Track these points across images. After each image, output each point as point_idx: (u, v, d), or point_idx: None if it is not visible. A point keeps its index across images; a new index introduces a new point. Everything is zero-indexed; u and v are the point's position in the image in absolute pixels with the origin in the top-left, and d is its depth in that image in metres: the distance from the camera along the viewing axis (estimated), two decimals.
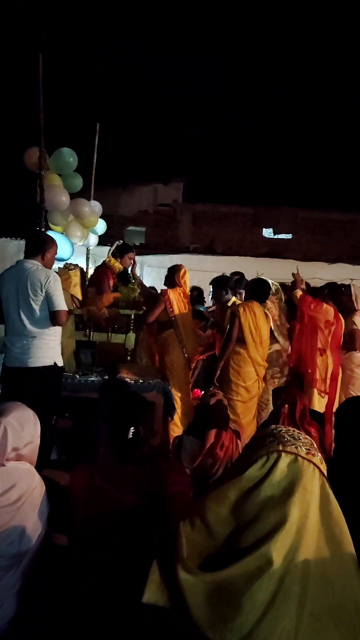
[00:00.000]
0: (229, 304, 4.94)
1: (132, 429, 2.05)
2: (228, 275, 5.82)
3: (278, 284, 5.06)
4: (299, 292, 4.74)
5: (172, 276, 4.95)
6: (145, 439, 2.09)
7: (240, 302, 4.95)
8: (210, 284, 5.15)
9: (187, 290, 5.00)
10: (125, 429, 2.07)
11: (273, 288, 4.91)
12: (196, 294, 6.80)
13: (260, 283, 4.75)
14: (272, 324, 4.73)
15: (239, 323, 4.40)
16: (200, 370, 5.53)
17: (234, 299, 5.01)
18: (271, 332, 4.73)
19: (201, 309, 6.28)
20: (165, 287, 4.95)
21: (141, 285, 5.20)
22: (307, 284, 5.17)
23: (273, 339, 4.76)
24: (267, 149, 20.16)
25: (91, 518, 1.92)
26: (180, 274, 4.93)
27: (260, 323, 4.49)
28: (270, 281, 4.94)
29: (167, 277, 5.03)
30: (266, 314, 4.65)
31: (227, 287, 4.99)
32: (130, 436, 2.06)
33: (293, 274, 4.97)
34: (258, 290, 4.68)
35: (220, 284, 5.04)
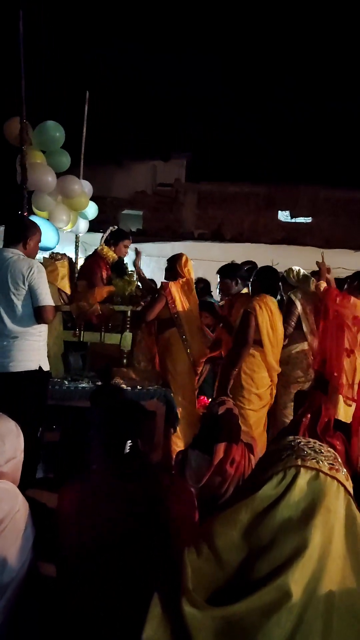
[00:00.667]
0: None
1: (129, 443, 2.06)
2: (238, 263, 5.79)
3: (301, 269, 5.02)
4: (323, 284, 4.72)
5: (173, 266, 4.95)
6: (144, 453, 2.10)
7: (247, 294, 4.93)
8: (217, 273, 5.13)
9: (192, 281, 4.99)
10: (122, 442, 2.07)
11: (299, 274, 4.88)
12: (202, 287, 6.79)
13: (270, 272, 4.71)
14: (301, 319, 4.72)
15: (255, 323, 4.37)
16: (207, 374, 5.52)
17: (245, 290, 5.00)
18: (298, 327, 4.72)
19: (212, 300, 6.22)
20: (165, 280, 4.95)
21: (144, 281, 5.18)
22: None
23: (300, 336, 4.74)
24: (284, 118, 20.07)
25: (83, 544, 1.92)
26: (182, 263, 4.93)
27: (277, 322, 4.48)
28: (297, 268, 4.93)
29: (167, 269, 5.03)
30: (291, 308, 4.63)
31: (237, 277, 4.96)
32: (127, 450, 2.06)
33: (318, 263, 4.96)
34: (269, 280, 4.63)
35: (229, 272, 5.01)
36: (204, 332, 5.20)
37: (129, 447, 2.05)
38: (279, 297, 4.88)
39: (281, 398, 4.64)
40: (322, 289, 4.71)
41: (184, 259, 4.96)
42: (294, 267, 4.97)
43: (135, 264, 5.14)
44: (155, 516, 1.94)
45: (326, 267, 4.89)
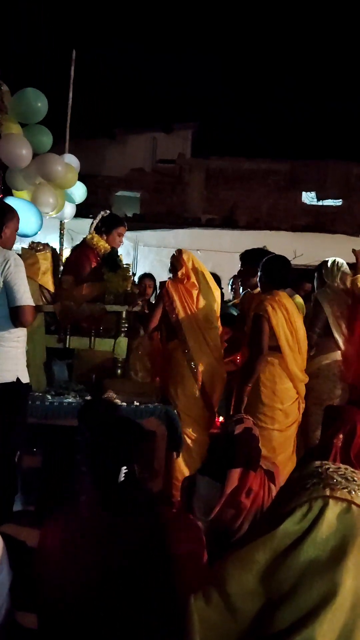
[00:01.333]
0: (256, 291, 4.88)
1: (124, 469, 2.06)
2: (265, 249, 5.63)
3: (343, 261, 4.99)
4: None
5: (173, 264, 4.88)
6: (142, 481, 2.10)
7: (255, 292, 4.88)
8: (240, 257, 5.08)
9: (201, 282, 4.80)
10: (115, 468, 2.07)
11: (338, 268, 4.87)
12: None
13: (279, 262, 4.67)
14: (331, 324, 4.71)
15: (268, 328, 4.34)
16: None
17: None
18: (328, 334, 4.71)
19: (232, 311, 6.19)
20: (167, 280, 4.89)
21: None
22: None
23: (330, 345, 4.72)
24: (310, 79, 20.08)
25: (68, 591, 1.92)
26: (183, 260, 4.78)
27: (296, 322, 4.45)
28: (337, 260, 4.91)
29: (170, 267, 4.99)
30: (317, 311, 4.62)
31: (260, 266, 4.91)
32: (122, 478, 2.06)
33: (355, 251, 4.94)
34: (277, 272, 4.57)
35: (254, 258, 4.90)
36: (221, 355, 4.90)
37: (123, 475, 2.05)
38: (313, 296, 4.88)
39: (312, 417, 4.62)
40: (359, 285, 4.70)
41: (184, 256, 4.80)
42: (335, 260, 4.94)
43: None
44: (155, 557, 1.93)
45: None
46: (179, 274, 4.77)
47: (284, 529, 1.51)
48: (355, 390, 4.66)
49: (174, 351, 4.70)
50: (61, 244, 6.66)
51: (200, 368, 4.64)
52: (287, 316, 4.39)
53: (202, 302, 4.78)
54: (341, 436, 3.16)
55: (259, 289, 4.84)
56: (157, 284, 6.58)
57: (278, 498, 1.70)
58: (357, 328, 4.68)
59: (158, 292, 4.88)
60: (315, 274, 5.01)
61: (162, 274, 5.19)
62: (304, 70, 20.30)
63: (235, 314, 5.93)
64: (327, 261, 4.93)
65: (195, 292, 4.77)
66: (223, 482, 3.11)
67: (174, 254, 4.93)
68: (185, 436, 4.51)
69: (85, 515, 2.08)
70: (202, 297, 4.79)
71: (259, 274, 4.64)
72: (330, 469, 1.59)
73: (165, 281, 4.85)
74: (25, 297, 3.51)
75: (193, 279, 4.77)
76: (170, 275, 4.92)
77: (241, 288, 6.68)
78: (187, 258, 4.81)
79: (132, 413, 4.09)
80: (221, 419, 5.09)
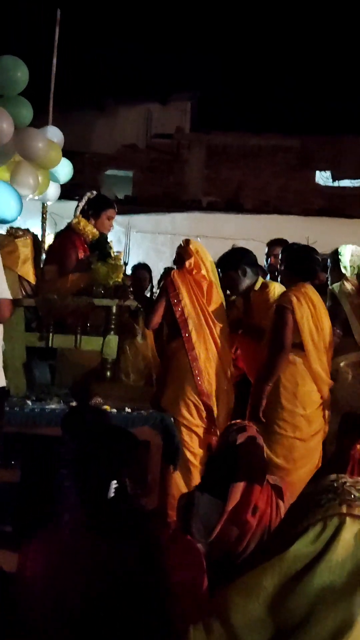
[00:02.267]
0: (257, 287, 4.91)
1: (114, 484, 2.06)
2: (238, 247, 5.68)
3: None
4: None
5: (179, 254, 4.87)
6: (134, 498, 2.10)
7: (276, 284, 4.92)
8: (217, 266, 5.01)
9: (210, 274, 4.79)
10: (104, 483, 2.07)
11: (349, 254, 4.88)
12: None
13: (303, 250, 4.73)
14: (350, 321, 4.72)
15: (293, 321, 4.37)
16: None
17: (261, 280, 4.98)
18: (347, 333, 4.72)
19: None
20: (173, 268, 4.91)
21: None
22: None
23: (349, 344, 4.74)
24: (322, 46, 19.97)
25: (51, 621, 1.92)
26: (190, 249, 4.77)
27: (322, 317, 4.50)
28: (353, 248, 4.91)
29: (175, 257, 4.98)
30: (334, 306, 4.62)
31: (243, 266, 4.89)
32: (112, 495, 2.06)
33: None
34: (303, 263, 4.63)
35: (230, 263, 4.94)
36: (230, 361, 4.90)
37: (113, 490, 2.05)
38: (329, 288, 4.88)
39: (329, 426, 4.62)
40: None
41: (192, 246, 4.78)
42: (355, 248, 4.94)
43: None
44: (148, 585, 1.94)
45: None
46: (187, 264, 4.74)
47: (295, 551, 1.51)
48: None
49: (177, 352, 4.68)
50: (43, 229, 6.68)
51: (205, 373, 4.61)
52: (313, 311, 4.44)
53: (213, 297, 4.76)
54: (359, 447, 3.17)
55: (257, 284, 4.90)
56: (153, 276, 6.61)
57: (288, 516, 1.70)
58: None
59: (160, 282, 4.85)
60: (330, 264, 5.00)
61: (157, 264, 5.22)
62: (318, 33, 20.14)
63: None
64: (344, 249, 4.93)
65: (205, 285, 4.75)
66: (224, 499, 3.12)
67: (180, 244, 4.92)
68: (184, 448, 4.51)
69: (69, 537, 2.08)
70: (213, 291, 4.78)
71: (280, 262, 4.68)
72: (348, 483, 1.59)
73: (170, 270, 4.84)
74: (1, 289, 3.51)
75: (204, 270, 4.76)
76: (174, 266, 4.93)
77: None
78: (194, 248, 4.79)
79: (123, 421, 4.10)
80: None
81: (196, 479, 4.41)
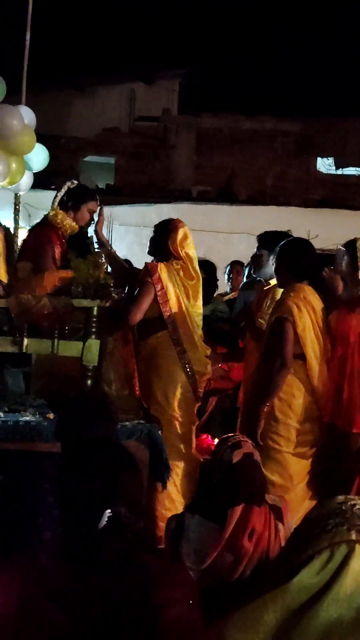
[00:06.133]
0: (273, 282, 5.02)
1: (108, 512, 2.01)
2: (297, 236, 5.66)
3: None
4: None
5: (163, 240, 4.96)
6: (127, 526, 2.04)
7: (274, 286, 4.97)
8: (257, 239, 5.22)
9: (193, 264, 5.00)
10: (98, 510, 2.02)
11: None
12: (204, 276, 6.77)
13: (301, 246, 4.73)
14: None
15: (294, 334, 4.39)
16: (215, 407, 5.55)
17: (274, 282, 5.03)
18: None
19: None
20: (152, 262, 4.97)
21: (114, 260, 5.20)
22: None
23: None
24: (322, 20, 20.02)
25: None
26: (178, 238, 4.93)
27: (322, 323, 4.52)
28: None
29: (153, 242, 5.04)
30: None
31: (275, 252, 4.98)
32: (105, 522, 2.01)
33: None
34: (301, 260, 4.62)
35: (272, 241, 5.02)
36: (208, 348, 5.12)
37: (106, 520, 1.99)
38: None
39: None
40: None
41: (180, 234, 4.94)
42: None
43: (96, 231, 5.13)
44: (138, 622, 1.92)
45: None
46: (171, 251, 4.92)
47: (298, 582, 1.52)
48: None
49: (157, 345, 4.82)
50: (16, 221, 6.67)
51: (191, 357, 4.82)
52: (314, 318, 4.46)
53: (194, 294, 4.98)
54: None
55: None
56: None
57: (291, 542, 1.70)
58: None
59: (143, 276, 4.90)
60: (346, 258, 4.87)
61: (142, 259, 5.21)
62: (319, 4, 20.20)
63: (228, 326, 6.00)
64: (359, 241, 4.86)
65: (191, 284, 4.95)
66: (218, 522, 3.11)
67: (166, 229, 5.06)
68: (172, 462, 4.55)
69: (46, 564, 2.05)
70: (194, 288, 4.99)
71: (275, 259, 4.69)
72: (358, 506, 1.59)
73: (155, 263, 4.90)
74: None
75: (191, 268, 4.96)
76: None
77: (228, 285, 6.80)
78: (181, 239, 4.95)
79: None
80: (216, 441, 5.13)
81: (186, 497, 4.60)
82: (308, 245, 4.78)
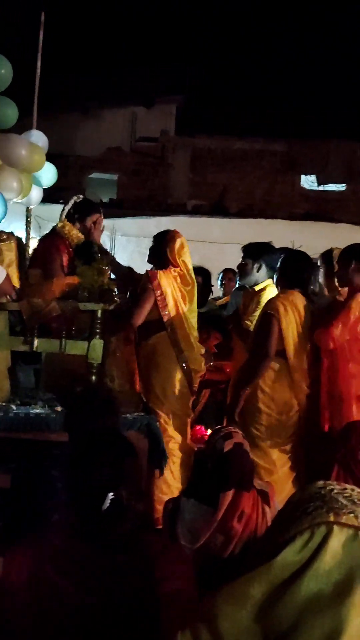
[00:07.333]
0: (258, 288, 5.02)
1: (110, 495, 2.01)
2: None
3: None
4: None
5: (162, 249, 4.97)
6: (130, 508, 2.05)
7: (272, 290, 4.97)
8: (242, 249, 5.19)
9: (189, 271, 5.01)
10: (100, 494, 2.02)
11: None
12: (200, 281, 6.78)
13: (299, 257, 4.76)
14: None
15: (278, 329, 4.43)
16: (208, 400, 5.54)
17: (269, 282, 5.05)
18: None
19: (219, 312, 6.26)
20: (152, 270, 4.96)
21: (113, 264, 5.20)
22: None
23: None
24: (306, 50, 20.01)
25: (39, 630, 1.91)
26: (175, 249, 4.95)
27: (307, 327, 4.52)
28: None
29: (153, 251, 5.05)
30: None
31: (262, 261, 5.02)
32: (108, 505, 2.01)
33: None
34: (295, 269, 4.66)
35: (253, 252, 5.09)
36: (203, 347, 5.15)
37: (109, 502, 2.00)
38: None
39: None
40: None
41: (177, 243, 4.95)
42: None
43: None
44: (139, 595, 1.92)
45: None
46: (170, 259, 4.92)
47: (282, 560, 1.50)
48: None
49: (157, 345, 4.83)
50: (27, 232, 6.65)
51: (188, 357, 4.83)
52: (298, 320, 4.48)
53: (190, 299, 4.96)
54: (343, 451, 3.18)
55: (260, 285, 5.06)
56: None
57: (276, 524, 1.69)
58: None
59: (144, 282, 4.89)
60: (322, 268, 4.90)
61: (142, 267, 5.21)
62: (303, 37, 20.18)
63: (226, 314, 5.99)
64: (335, 251, 4.87)
65: (187, 290, 4.94)
66: (211, 505, 3.12)
67: (165, 239, 5.05)
68: (168, 440, 4.61)
69: (58, 542, 2.05)
70: (190, 293, 4.98)
71: (277, 269, 4.73)
72: (335, 491, 1.58)
73: (155, 271, 4.90)
74: None
75: (187, 275, 4.96)
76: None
77: (222, 290, 6.80)
78: (179, 248, 4.96)
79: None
80: (209, 432, 5.13)
81: (182, 481, 4.61)
82: (300, 257, 4.78)
